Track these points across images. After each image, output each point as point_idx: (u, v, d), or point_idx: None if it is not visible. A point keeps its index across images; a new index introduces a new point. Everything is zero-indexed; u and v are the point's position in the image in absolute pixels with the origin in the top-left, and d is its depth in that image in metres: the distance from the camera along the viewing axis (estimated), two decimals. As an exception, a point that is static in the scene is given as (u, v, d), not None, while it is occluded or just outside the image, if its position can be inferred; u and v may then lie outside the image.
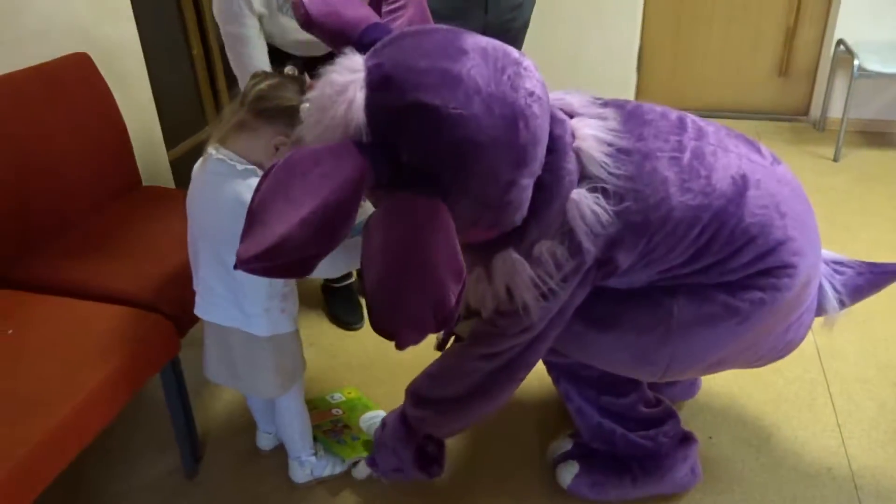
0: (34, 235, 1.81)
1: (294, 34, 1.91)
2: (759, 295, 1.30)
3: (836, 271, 1.53)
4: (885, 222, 2.88)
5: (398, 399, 1.58)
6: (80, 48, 2.07)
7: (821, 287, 1.48)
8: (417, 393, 1.51)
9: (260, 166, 1.36)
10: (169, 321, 1.59)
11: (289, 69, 1.37)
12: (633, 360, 1.41)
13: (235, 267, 1.00)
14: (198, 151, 1.45)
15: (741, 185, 1.28)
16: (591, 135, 1.26)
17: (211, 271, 1.43)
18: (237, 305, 1.43)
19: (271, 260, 0.98)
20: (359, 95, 1.08)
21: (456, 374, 1.42)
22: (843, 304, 1.51)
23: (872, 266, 1.55)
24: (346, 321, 2.31)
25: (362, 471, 1.70)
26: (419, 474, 1.57)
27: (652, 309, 1.35)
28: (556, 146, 1.22)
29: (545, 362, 1.66)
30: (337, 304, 2.35)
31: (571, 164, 1.24)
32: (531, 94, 1.12)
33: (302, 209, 0.98)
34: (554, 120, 1.23)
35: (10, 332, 1.50)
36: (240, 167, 1.35)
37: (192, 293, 1.51)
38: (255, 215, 1.02)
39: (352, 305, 2.35)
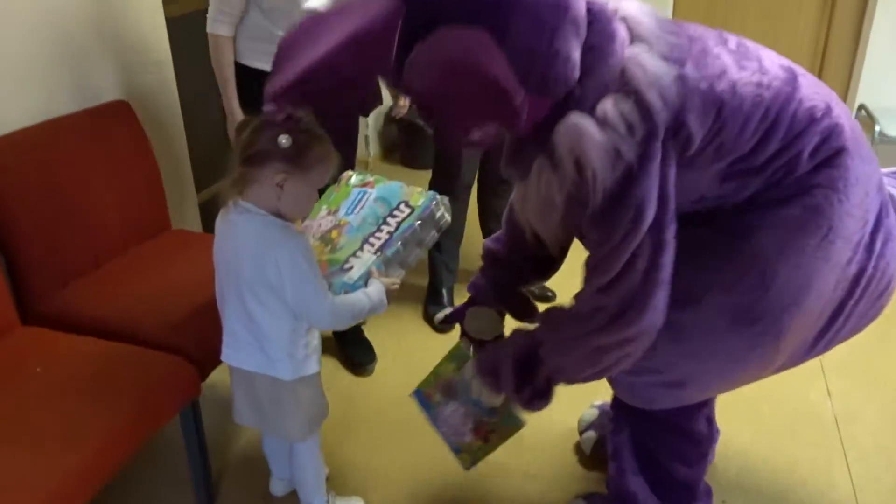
0: (66, 273, 1.88)
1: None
2: (832, 173, 1.23)
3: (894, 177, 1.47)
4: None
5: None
6: (121, 95, 2.17)
7: (892, 196, 1.41)
8: (548, 315, 1.37)
9: (277, 213, 1.41)
10: (191, 364, 1.63)
11: (267, 106, 1.38)
12: (737, 323, 1.28)
13: (264, 106, 0.98)
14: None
15: (790, 72, 1.24)
16: (635, 6, 1.21)
17: (235, 317, 1.47)
18: (261, 350, 1.47)
19: (304, 84, 0.95)
20: None
21: (582, 314, 1.28)
22: None
23: None
24: (360, 362, 2.33)
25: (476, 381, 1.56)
26: (521, 401, 1.42)
27: (734, 257, 1.26)
28: (598, 17, 1.15)
29: (618, 412, 1.58)
30: (349, 346, 2.39)
31: (620, 28, 1.16)
32: None
33: (333, 39, 0.95)
34: (593, 7, 1.16)
35: (39, 370, 1.55)
36: (258, 216, 1.40)
37: (215, 337, 1.54)
38: (281, 55, 0.98)
39: (363, 346, 2.39)
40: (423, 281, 2.70)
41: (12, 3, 1.83)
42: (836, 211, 1.24)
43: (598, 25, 1.14)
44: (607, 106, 1.12)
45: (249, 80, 2.12)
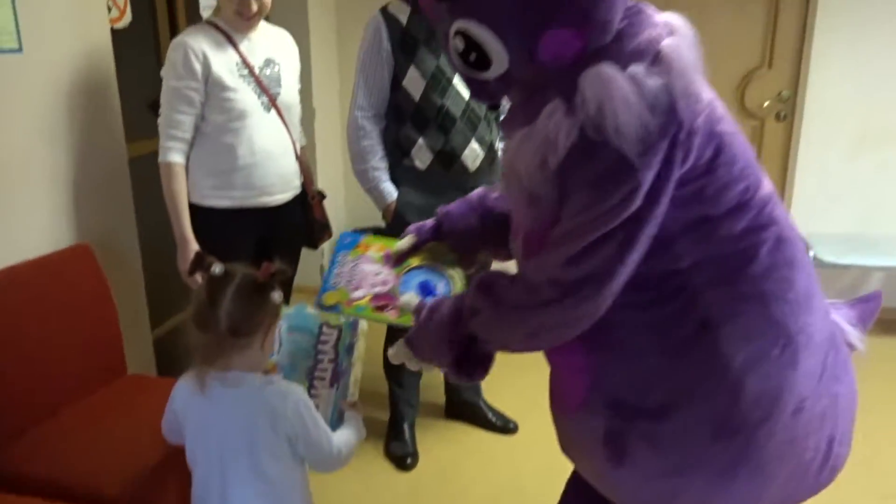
0: (19, 425, 1.80)
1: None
2: (782, 285, 1.25)
3: (834, 308, 1.52)
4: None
5: None
6: (82, 237, 2.17)
7: (833, 321, 1.43)
8: (489, 283, 1.30)
9: (258, 368, 1.40)
10: (148, 523, 1.56)
11: (216, 268, 1.35)
12: (719, 433, 1.26)
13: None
14: (180, 331, 1.45)
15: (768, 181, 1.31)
16: (682, 21, 1.24)
17: (249, 490, 1.38)
18: None
19: None
20: None
21: (534, 284, 1.24)
22: (856, 327, 1.48)
23: (859, 300, 1.57)
24: None
25: (398, 353, 1.44)
26: (458, 375, 1.36)
27: (705, 367, 1.24)
28: (644, 10, 1.23)
29: None
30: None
31: (661, 25, 1.21)
32: None
33: None
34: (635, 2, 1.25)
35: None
36: (255, 381, 1.37)
37: (175, 491, 1.48)
38: None
39: None
40: (384, 416, 2.66)
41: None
42: (790, 322, 1.26)
43: (643, 16, 1.22)
44: (639, 70, 1.13)
45: (203, 220, 2.20)
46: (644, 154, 1.12)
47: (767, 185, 1.30)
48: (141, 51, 2.78)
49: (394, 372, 2.59)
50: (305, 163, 2.43)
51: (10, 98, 1.94)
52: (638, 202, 1.15)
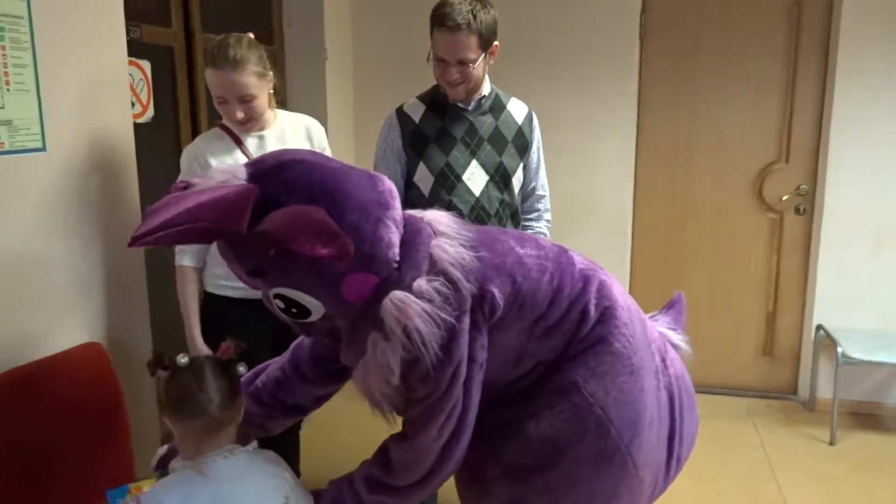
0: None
1: None
2: (615, 322, 1.51)
3: (654, 320, 1.82)
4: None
5: None
6: (94, 334, 2.10)
7: (661, 333, 1.74)
8: (375, 479, 1.52)
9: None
10: None
11: (182, 359, 1.45)
12: (599, 465, 1.49)
13: (130, 245, 1.21)
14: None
15: (562, 247, 1.59)
16: (437, 213, 1.54)
17: None
18: None
19: (165, 228, 1.20)
20: (240, 171, 1.35)
21: (415, 460, 1.48)
22: (675, 330, 1.81)
23: (667, 306, 1.90)
24: None
25: None
26: None
27: (575, 413, 1.47)
28: (409, 220, 1.48)
29: None
30: None
31: (426, 227, 1.48)
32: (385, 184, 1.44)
33: (197, 200, 1.23)
34: (406, 214, 1.50)
35: None
36: (250, 450, 1.47)
37: None
38: (149, 212, 1.25)
39: None
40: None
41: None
42: (630, 350, 1.51)
43: (409, 227, 1.46)
44: (421, 283, 1.39)
45: (215, 307, 2.25)
46: (452, 341, 1.39)
47: (562, 254, 1.56)
48: (162, 144, 2.79)
49: None
50: None
51: (31, 195, 1.91)
52: (463, 373, 1.41)
